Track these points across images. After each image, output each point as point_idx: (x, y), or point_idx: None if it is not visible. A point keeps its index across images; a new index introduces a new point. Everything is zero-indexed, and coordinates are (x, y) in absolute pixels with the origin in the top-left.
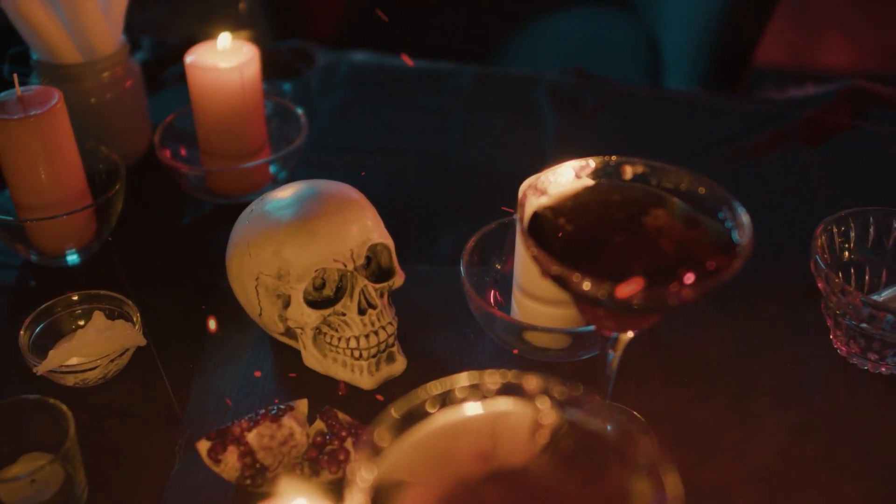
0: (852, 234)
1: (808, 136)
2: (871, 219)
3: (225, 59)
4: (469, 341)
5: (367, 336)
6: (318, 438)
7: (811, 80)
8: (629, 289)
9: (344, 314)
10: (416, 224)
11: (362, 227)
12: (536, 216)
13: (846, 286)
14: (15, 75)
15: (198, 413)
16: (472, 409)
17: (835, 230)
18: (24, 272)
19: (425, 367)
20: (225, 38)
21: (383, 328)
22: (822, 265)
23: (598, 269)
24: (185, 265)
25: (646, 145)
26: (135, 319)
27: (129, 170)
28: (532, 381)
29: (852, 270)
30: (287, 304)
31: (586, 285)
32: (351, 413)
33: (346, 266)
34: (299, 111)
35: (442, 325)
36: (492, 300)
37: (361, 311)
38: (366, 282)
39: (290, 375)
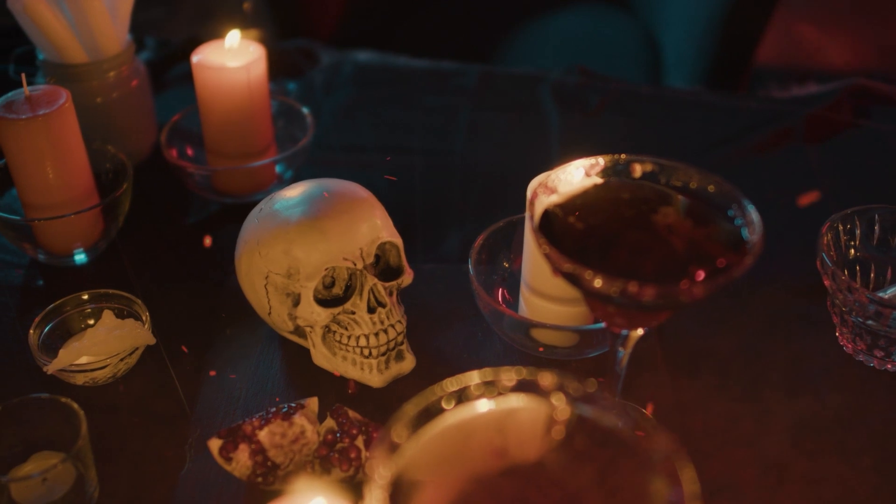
0: (858, 232)
1: (811, 134)
2: (876, 216)
3: (232, 59)
4: (477, 339)
5: (376, 334)
6: (329, 436)
7: (812, 79)
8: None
9: (353, 312)
10: (422, 222)
11: (371, 226)
12: (547, 214)
13: (852, 283)
14: (23, 75)
15: (208, 411)
16: (488, 405)
17: (840, 228)
18: (31, 271)
19: (434, 365)
20: (234, 36)
21: (392, 326)
22: (829, 262)
23: (609, 266)
24: (192, 264)
25: (650, 143)
26: (144, 318)
27: (135, 169)
28: (547, 378)
29: (858, 268)
30: (297, 303)
31: (598, 282)
32: (360, 411)
33: (355, 265)
34: (305, 111)
35: (449, 324)
36: (500, 298)
37: (371, 310)
38: (375, 280)
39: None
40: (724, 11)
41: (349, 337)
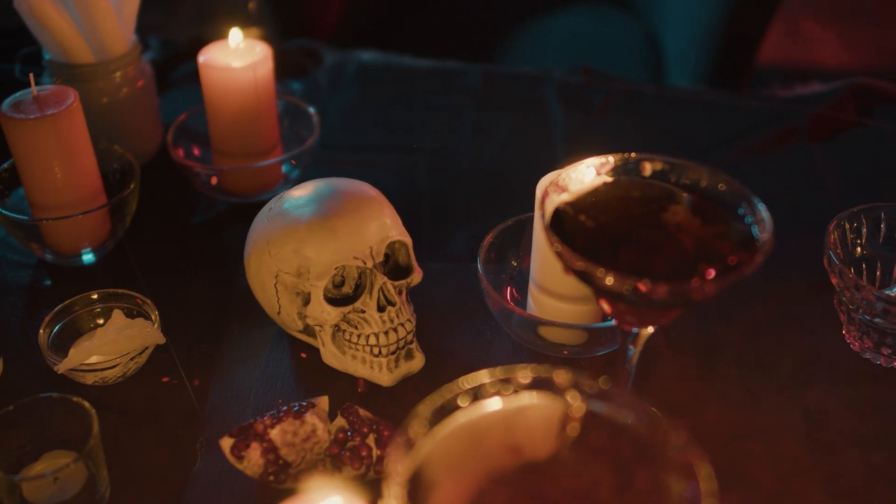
0: (864, 230)
1: (815, 133)
2: (882, 214)
3: (238, 59)
4: (486, 338)
5: (386, 333)
6: (340, 435)
7: (815, 78)
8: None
9: (363, 311)
10: (428, 221)
11: (381, 225)
12: (558, 212)
13: (860, 281)
14: (31, 75)
15: (218, 411)
16: (503, 403)
17: (847, 226)
18: (38, 271)
19: (443, 363)
20: (236, 34)
21: (402, 325)
22: (836, 260)
23: (620, 264)
24: (199, 264)
25: (655, 142)
26: (153, 318)
27: (141, 169)
28: (562, 376)
29: (864, 266)
30: (306, 302)
31: (609, 280)
32: (370, 409)
33: (365, 263)
34: (312, 110)
35: (458, 322)
36: (508, 297)
37: (381, 309)
38: (385, 279)
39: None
40: (726, 11)
41: (359, 336)
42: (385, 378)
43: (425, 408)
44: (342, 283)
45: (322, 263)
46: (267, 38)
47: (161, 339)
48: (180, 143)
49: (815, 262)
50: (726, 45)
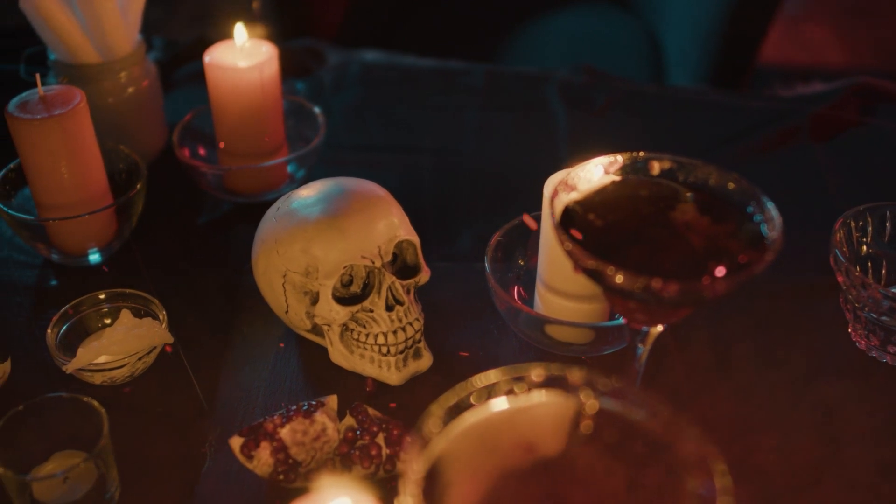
0: (869, 229)
1: (817, 133)
2: (887, 213)
3: (244, 59)
4: (493, 337)
5: (394, 332)
6: (349, 434)
7: (816, 78)
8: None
9: (372, 311)
10: (432, 221)
11: (389, 224)
12: (567, 211)
13: (866, 279)
14: (38, 75)
15: (226, 410)
16: (516, 401)
17: (852, 224)
18: (45, 271)
19: (451, 362)
20: (240, 31)
21: (410, 324)
22: (842, 259)
23: (630, 262)
24: (206, 263)
25: (657, 142)
26: (161, 318)
27: (146, 169)
28: (576, 374)
29: (869, 264)
30: (315, 301)
31: (620, 278)
32: (378, 409)
33: (373, 263)
34: (317, 110)
35: (465, 321)
36: (515, 296)
37: (389, 308)
38: (393, 278)
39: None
40: (727, 12)
41: (367, 335)
42: (393, 377)
43: (439, 406)
44: (350, 283)
45: (330, 263)
46: (269, 37)
47: (169, 339)
48: (186, 142)
49: (817, 261)
50: (727, 45)
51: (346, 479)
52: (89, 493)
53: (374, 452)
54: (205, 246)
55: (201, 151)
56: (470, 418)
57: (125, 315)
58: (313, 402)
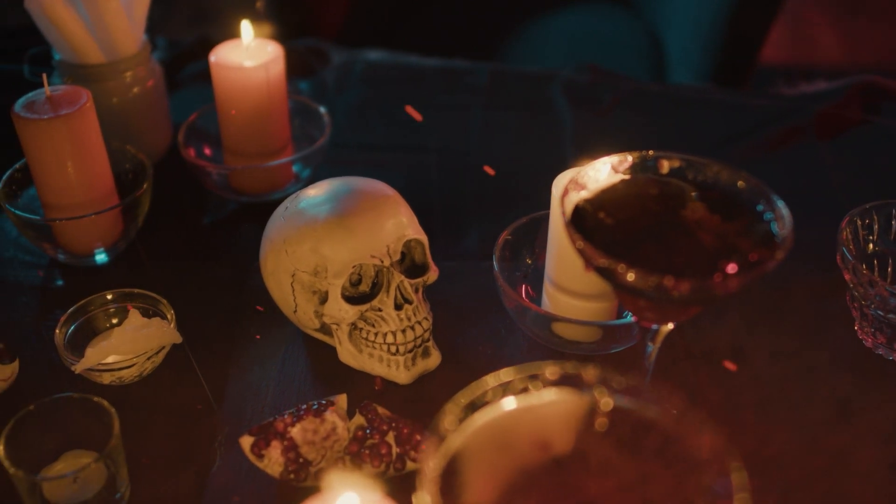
0: (876, 227)
1: (822, 131)
2: (893, 211)
3: (250, 58)
4: (501, 335)
5: (403, 331)
6: (359, 433)
7: (820, 76)
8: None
9: (380, 310)
10: (438, 220)
11: (397, 223)
12: (577, 210)
13: (874, 277)
14: (44, 75)
15: (235, 410)
16: (531, 399)
17: (859, 223)
18: (51, 271)
19: (459, 361)
20: (247, 28)
21: (419, 323)
22: (850, 257)
23: (640, 261)
24: (212, 264)
25: (662, 140)
26: (169, 317)
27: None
28: (590, 372)
29: (876, 262)
30: (323, 301)
31: (631, 276)
32: (387, 407)
33: (382, 262)
34: (323, 110)
35: (473, 320)
36: (523, 294)
37: (398, 307)
38: (402, 277)
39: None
40: (728, 11)
41: (376, 334)
42: (402, 376)
43: (455, 404)
44: (359, 282)
45: (339, 262)
46: (272, 37)
47: (178, 339)
48: (191, 142)
49: (823, 258)
50: (728, 44)
51: (356, 477)
52: (99, 493)
53: (384, 451)
54: (211, 245)
55: (207, 151)
56: (485, 416)
57: (134, 315)
58: (323, 402)
